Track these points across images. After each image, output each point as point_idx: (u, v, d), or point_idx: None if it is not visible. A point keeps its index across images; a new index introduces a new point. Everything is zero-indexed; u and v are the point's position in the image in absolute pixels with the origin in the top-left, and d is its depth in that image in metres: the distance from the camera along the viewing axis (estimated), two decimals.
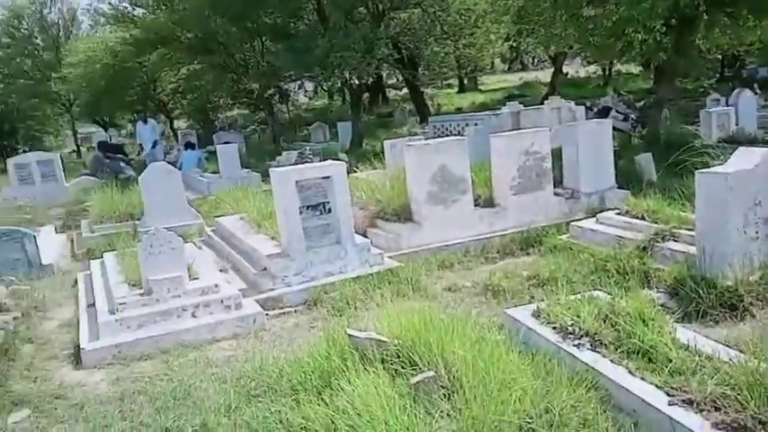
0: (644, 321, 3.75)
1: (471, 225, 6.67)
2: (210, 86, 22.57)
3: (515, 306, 4.69)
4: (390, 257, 6.13)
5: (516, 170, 6.86)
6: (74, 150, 26.18)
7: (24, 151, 21.61)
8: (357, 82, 16.72)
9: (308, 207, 5.80)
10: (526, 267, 5.91)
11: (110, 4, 20.81)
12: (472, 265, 6.26)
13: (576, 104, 14.08)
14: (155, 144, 16.72)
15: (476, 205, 6.85)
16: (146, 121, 17.11)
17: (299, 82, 28.21)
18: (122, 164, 14.76)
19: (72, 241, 8.85)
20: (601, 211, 6.69)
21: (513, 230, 6.73)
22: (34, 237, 7.26)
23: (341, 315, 5.01)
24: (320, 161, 12.40)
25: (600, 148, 7.39)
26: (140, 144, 17.34)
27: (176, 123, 26.13)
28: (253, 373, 3.97)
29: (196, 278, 5.42)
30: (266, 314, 5.19)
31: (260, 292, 5.58)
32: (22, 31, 24.24)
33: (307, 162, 11.84)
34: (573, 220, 6.75)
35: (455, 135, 14.00)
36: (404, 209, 6.78)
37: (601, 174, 7.47)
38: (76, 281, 6.55)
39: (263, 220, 7.08)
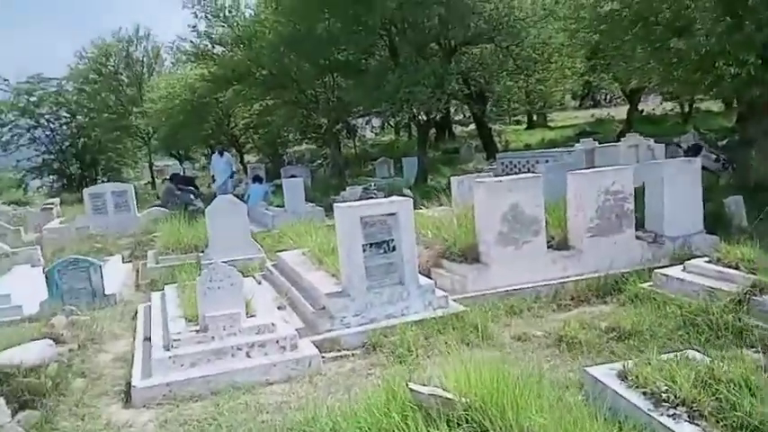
0: (750, 390, 3.24)
1: (543, 269, 6.21)
2: (281, 121, 23.01)
3: (594, 362, 4.24)
4: (455, 300, 5.76)
5: (595, 211, 6.38)
6: (149, 182, 27.23)
7: (103, 182, 22.60)
8: (425, 117, 16.58)
9: (371, 245, 5.53)
10: (604, 318, 5.40)
11: (191, 42, 21.72)
12: (543, 312, 5.79)
13: (656, 142, 13.35)
14: (232, 175, 17.18)
15: (548, 247, 6.40)
16: (222, 154, 17.56)
17: (366, 117, 28.56)
18: (192, 196, 15.08)
19: (137, 271, 8.94)
20: (688, 259, 6.09)
21: (588, 276, 6.21)
22: (100, 267, 7.33)
23: (401, 362, 4.67)
24: (385, 197, 12.25)
25: (687, 188, 6.82)
26: (213, 176, 17.78)
27: (246, 157, 26.80)
28: (305, 423, 3.67)
29: (253, 315, 5.22)
30: (322, 357, 4.92)
31: (317, 333, 5.32)
32: (109, 67, 25.64)
33: (371, 198, 11.67)
34: (656, 267, 6.18)
35: (524, 172, 13.55)
36: (471, 249, 6.41)
37: (687, 217, 6.88)
38: (136, 312, 6.52)
39: (324, 256, 6.88)
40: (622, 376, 3.59)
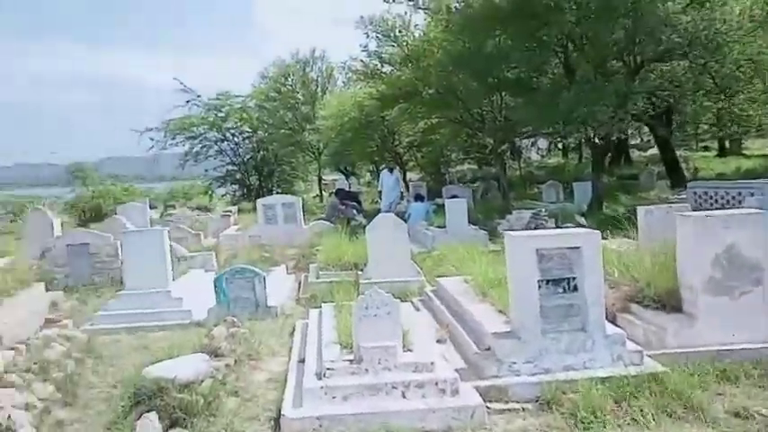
0: None
1: (766, 327, 4.99)
2: (445, 140, 22.78)
3: None
4: (650, 357, 4.79)
5: None
6: (317, 195, 28.44)
7: (277, 193, 23.90)
8: (601, 139, 15.23)
9: (548, 281, 4.79)
10: None
11: (362, 61, 22.38)
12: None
13: None
14: (402, 196, 17.32)
15: None
16: (391, 171, 17.66)
17: (532, 138, 27.39)
18: (355, 211, 15.21)
19: (299, 284, 8.96)
20: None
21: None
22: (264, 278, 7.36)
23: (586, 429, 3.87)
24: (556, 224, 11.29)
25: None
26: (379, 191, 17.93)
27: (408, 175, 26.97)
28: None
29: (410, 350, 4.73)
30: (487, 408, 4.27)
31: (481, 378, 4.68)
32: (287, 86, 27.41)
33: (541, 225, 10.77)
34: None
35: (722, 205, 11.77)
36: (670, 295, 5.36)
37: None
38: (294, 329, 6.37)
39: (489, 288, 6.25)
40: None
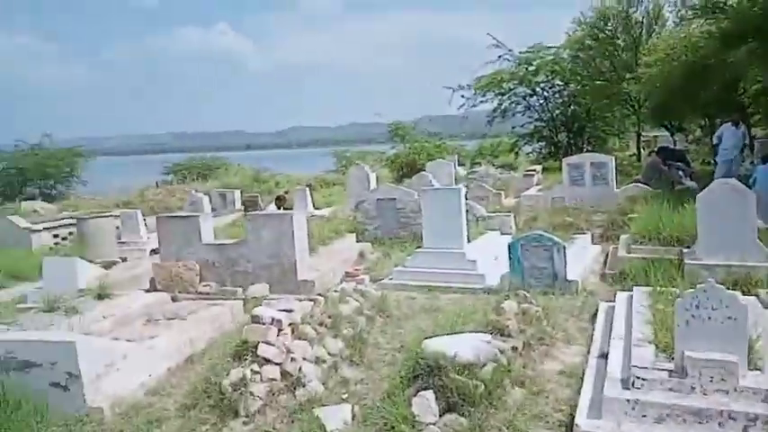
0: None
1: None
2: None
3: None
4: None
5: None
6: (633, 154, 25.58)
7: (587, 151, 22.15)
8: None
9: None
10: None
11: None
12: None
13: None
14: (743, 157, 14.38)
15: None
16: (737, 126, 14.68)
17: None
18: (681, 173, 12.99)
19: (606, 257, 7.87)
20: None
21: None
22: (563, 248, 6.54)
23: None
24: None
25: None
26: (713, 145, 15.08)
27: (752, 131, 22.25)
28: None
29: (758, 369, 3.48)
30: None
31: None
32: (606, 32, 24.73)
33: None
34: None
35: None
36: None
37: None
38: (597, 311, 5.45)
39: None
40: None
